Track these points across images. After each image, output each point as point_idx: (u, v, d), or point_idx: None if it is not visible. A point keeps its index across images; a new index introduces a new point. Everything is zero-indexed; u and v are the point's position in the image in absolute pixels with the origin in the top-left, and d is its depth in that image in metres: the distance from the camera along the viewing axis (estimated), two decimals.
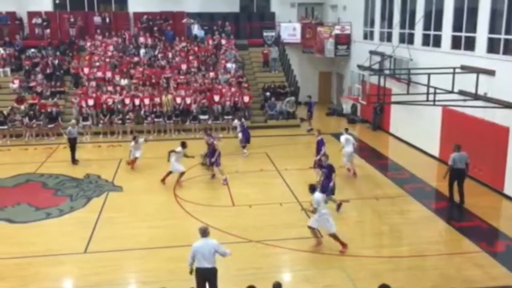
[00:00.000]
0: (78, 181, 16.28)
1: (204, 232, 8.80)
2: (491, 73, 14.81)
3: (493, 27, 15.04)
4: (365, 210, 13.98)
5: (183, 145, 15.66)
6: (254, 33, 29.14)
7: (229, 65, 25.88)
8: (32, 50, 26.25)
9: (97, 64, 25.31)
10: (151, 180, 16.09)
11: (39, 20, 27.76)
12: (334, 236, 11.19)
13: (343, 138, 16.53)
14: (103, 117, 22.10)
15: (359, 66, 23.01)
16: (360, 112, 25.49)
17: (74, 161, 18.18)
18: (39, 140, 21.46)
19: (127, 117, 22.26)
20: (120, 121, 22.22)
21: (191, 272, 8.74)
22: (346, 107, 26.41)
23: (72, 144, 18.27)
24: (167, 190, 15.28)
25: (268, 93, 24.93)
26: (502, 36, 14.58)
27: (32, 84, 24.02)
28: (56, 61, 25.40)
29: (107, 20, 28.55)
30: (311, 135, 21.95)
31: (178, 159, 15.46)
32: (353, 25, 26.16)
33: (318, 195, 11.18)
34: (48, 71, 24.81)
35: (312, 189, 11.32)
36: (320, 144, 15.99)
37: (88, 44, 27.00)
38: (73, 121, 19.52)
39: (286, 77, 26.90)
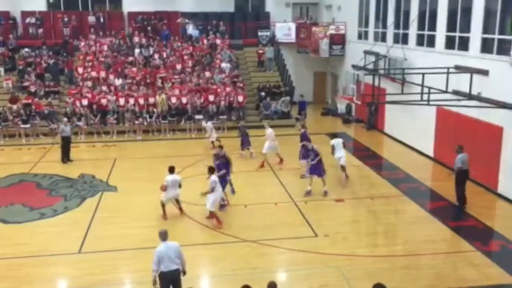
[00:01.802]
0: (72, 181, 16.21)
1: (165, 236, 8.75)
2: (484, 73, 14.87)
3: (487, 27, 15.10)
4: (360, 210, 13.99)
5: None
6: (249, 33, 29.16)
7: (223, 64, 25.85)
8: (26, 49, 26.12)
9: (90, 64, 25.21)
10: (145, 180, 16.04)
11: (33, 20, 27.63)
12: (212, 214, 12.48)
13: (269, 131, 17.76)
14: (93, 118, 22.00)
15: (354, 66, 23.03)
16: (355, 112, 25.53)
17: (66, 159, 18.18)
18: (35, 140, 21.33)
19: (127, 116, 22.18)
20: (115, 121, 22.12)
21: (154, 283, 8.50)
22: (341, 107, 26.45)
23: (66, 142, 18.20)
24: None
25: (263, 93, 24.93)
26: (496, 36, 14.64)
27: (26, 84, 23.90)
28: (52, 61, 25.27)
29: (101, 20, 28.46)
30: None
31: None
32: (347, 25, 26.20)
33: (213, 176, 12.45)
34: (41, 71, 24.69)
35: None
36: (304, 137, 17.16)
37: (82, 43, 26.91)
38: (65, 119, 19.46)
39: (281, 77, 26.93)
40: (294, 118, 24.46)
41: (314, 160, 14.58)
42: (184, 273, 8.76)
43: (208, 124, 20.34)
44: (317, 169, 14.59)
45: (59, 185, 15.83)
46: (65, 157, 18.19)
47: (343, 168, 15.84)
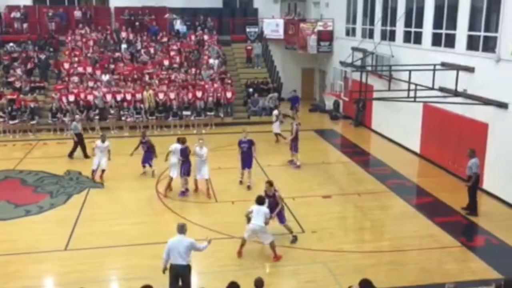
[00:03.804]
0: (58, 177, 16.07)
1: (182, 229, 8.76)
2: (470, 70, 15.01)
3: (473, 25, 15.23)
4: (348, 205, 14.09)
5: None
6: (237, 29, 29.10)
7: (211, 60, 25.76)
8: (11, 44, 25.79)
9: (76, 59, 24.97)
10: (132, 176, 15.98)
11: (18, 14, 27.27)
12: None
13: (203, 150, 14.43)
14: (79, 113, 21.81)
15: (342, 63, 23.13)
16: (342, 109, 25.62)
17: (86, 155, 18.07)
18: (22, 136, 21.14)
19: (112, 112, 22.05)
20: (97, 117, 21.93)
21: (164, 271, 8.74)
22: (329, 104, 26.53)
23: (79, 139, 18.09)
24: (149, 187, 15.17)
25: (251, 89, 24.91)
26: (482, 34, 14.77)
27: (11, 79, 23.59)
28: (40, 56, 24.97)
29: (88, 14, 28.19)
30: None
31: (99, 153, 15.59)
32: (335, 22, 26.25)
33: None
34: (29, 66, 24.39)
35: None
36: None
37: (69, 38, 26.63)
38: (77, 116, 19.40)
39: (269, 73, 26.92)
40: (282, 114, 24.41)
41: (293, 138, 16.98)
42: (209, 241, 9.04)
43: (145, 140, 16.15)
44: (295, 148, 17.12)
45: (45, 182, 15.69)
46: (84, 153, 18.08)
47: (278, 134, 19.83)
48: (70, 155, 18.08)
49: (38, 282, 10.12)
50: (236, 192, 14.73)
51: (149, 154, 16.10)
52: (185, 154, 14.16)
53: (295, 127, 17.07)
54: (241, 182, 15.26)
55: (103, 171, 15.56)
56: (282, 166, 17.28)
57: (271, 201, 11.38)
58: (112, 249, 11.26)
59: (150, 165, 16.16)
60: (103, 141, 15.60)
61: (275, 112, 20.56)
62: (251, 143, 15.06)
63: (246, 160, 15.13)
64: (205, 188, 14.39)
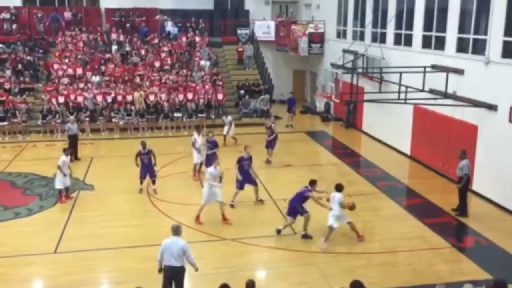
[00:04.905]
0: (47, 180, 15.92)
1: (176, 230, 8.73)
2: (460, 72, 15.12)
3: (463, 27, 15.35)
4: None
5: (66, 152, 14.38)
6: (228, 31, 29.06)
7: (203, 62, 25.72)
8: (0, 45, 25.57)
9: (66, 60, 24.80)
10: (122, 178, 15.87)
11: (7, 15, 27.05)
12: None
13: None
14: (69, 115, 21.67)
15: (332, 65, 23.18)
16: (333, 110, 25.69)
17: (74, 158, 17.42)
18: (11, 138, 20.97)
19: (105, 113, 21.94)
20: (87, 119, 21.82)
21: (160, 271, 8.74)
22: (320, 105, 26.60)
23: (72, 141, 17.87)
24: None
25: (242, 91, 24.89)
26: (471, 36, 14.89)
27: (0, 80, 23.37)
28: (29, 57, 24.77)
29: (78, 16, 28.03)
30: (287, 132, 22.11)
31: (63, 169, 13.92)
32: (326, 24, 26.34)
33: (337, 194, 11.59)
34: (19, 67, 24.18)
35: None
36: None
37: (59, 40, 26.46)
38: (72, 117, 19.24)
39: (260, 75, 26.93)
40: (273, 116, 24.42)
41: (270, 136, 17.75)
42: (196, 269, 8.91)
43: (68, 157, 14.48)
44: (271, 144, 17.77)
45: (34, 184, 15.56)
46: (73, 156, 17.25)
47: (233, 136, 20.21)
48: (72, 159, 16.90)
49: (26, 285, 10.03)
50: (229, 193, 14.63)
51: (150, 165, 14.73)
52: (212, 146, 15.80)
53: (272, 125, 17.98)
54: (232, 206, 13.68)
55: (68, 188, 14.36)
56: (274, 168, 17.26)
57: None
58: (102, 251, 11.18)
59: (154, 178, 14.84)
60: (67, 155, 14.36)
61: (229, 118, 20.16)
62: (251, 159, 14.05)
63: (249, 178, 13.97)
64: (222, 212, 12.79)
